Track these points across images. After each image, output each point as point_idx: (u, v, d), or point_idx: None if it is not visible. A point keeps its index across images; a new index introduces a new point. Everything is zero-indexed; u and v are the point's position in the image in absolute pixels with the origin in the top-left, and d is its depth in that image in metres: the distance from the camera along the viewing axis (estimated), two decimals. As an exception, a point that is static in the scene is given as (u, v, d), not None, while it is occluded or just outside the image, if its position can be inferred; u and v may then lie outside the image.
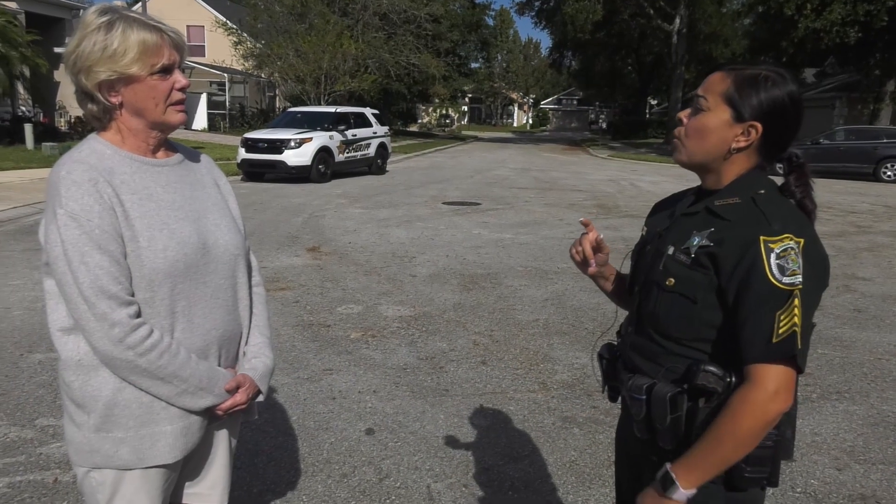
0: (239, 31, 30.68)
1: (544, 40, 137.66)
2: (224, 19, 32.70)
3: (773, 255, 1.20)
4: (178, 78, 1.45)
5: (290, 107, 24.00)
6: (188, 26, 37.25)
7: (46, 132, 19.44)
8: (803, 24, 22.87)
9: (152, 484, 1.48)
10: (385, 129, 18.49)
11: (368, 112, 18.27)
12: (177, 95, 1.45)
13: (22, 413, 3.49)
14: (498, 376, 4.19)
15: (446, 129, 51.97)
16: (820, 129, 23.52)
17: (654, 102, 56.90)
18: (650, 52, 44.44)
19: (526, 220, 10.38)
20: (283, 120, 17.39)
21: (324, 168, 15.29)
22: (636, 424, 1.39)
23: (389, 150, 18.88)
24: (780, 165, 1.38)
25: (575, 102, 73.10)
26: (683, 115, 1.39)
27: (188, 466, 1.61)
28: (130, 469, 1.44)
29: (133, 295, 1.38)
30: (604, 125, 61.38)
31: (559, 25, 40.98)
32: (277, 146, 14.72)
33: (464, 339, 4.87)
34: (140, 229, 1.39)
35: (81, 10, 26.00)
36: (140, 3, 20.91)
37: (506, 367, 4.34)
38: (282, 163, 14.59)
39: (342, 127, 16.27)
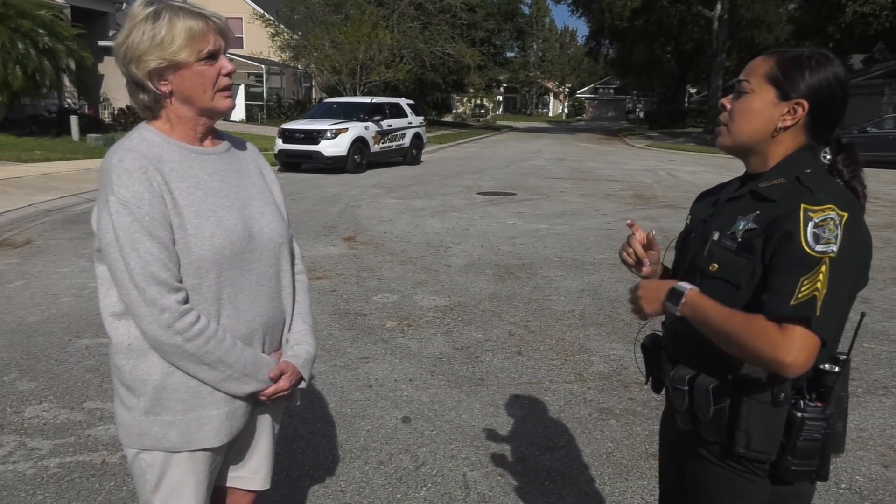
0: (276, 23, 30.97)
1: (581, 28, 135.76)
2: (262, 11, 33.03)
3: (811, 224, 1.18)
4: (224, 63, 1.47)
5: (325, 97, 24.19)
6: (226, 18, 37.74)
7: (91, 124, 19.94)
8: (851, 9, 22.17)
9: (199, 466, 1.51)
10: (420, 119, 18.51)
11: (404, 102, 18.30)
12: (224, 81, 1.47)
13: (71, 396, 3.61)
14: (534, 367, 4.18)
15: (481, 119, 51.78)
16: (868, 117, 22.78)
17: (693, 91, 55.76)
18: (690, 40, 43.52)
19: (562, 211, 10.30)
20: (319, 111, 17.53)
21: (359, 158, 15.39)
22: (679, 415, 1.38)
23: (424, 141, 18.90)
24: (826, 151, 1.35)
25: (612, 91, 72.14)
26: (726, 100, 1.37)
27: (232, 451, 1.64)
28: (178, 451, 1.48)
29: (181, 281, 1.41)
30: (641, 114, 60.37)
31: (596, 13, 40.44)
32: (314, 137, 14.86)
33: (499, 329, 4.86)
34: (188, 217, 1.41)
35: (125, 4, 26.56)
36: (180, -4, 21.26)
37: (541, 358, 4.33)
38: (318, 153, 14.73)
39: (378, 117, 16.34)
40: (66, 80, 20.99)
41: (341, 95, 24.71)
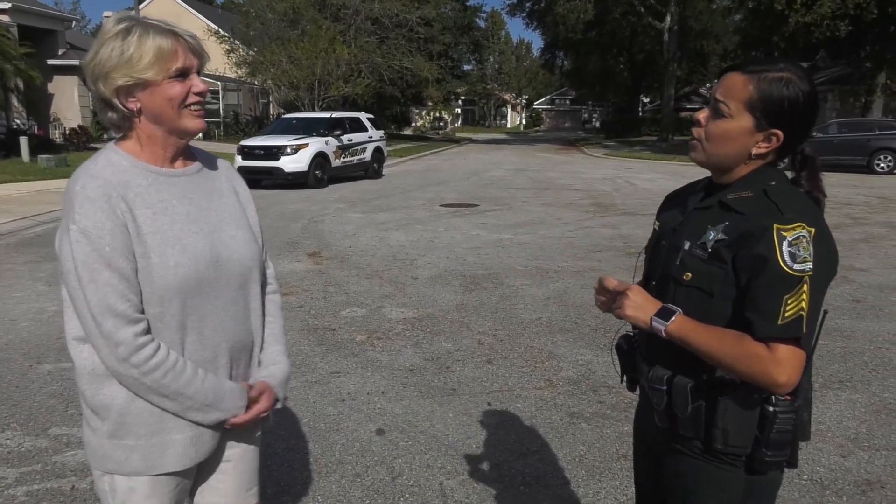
0: (231, 39, 30.68)
1: (536, 41, 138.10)
2: (216, 27, 32.70)
3: (785, 243, 1.24)
4: (196, 82, 1.44)
5: (283, 113, 24.04)
6: (180, 35, 37.25)
7: (42, 144, 19.43)
8: (794, 19, 22.99)
9: (162, 490, 1.49)
10: (380, 133, 18.54)
11: (363, 117, 18.31)
12: (193, 99, 1.44)
13: (35, 423, 3.53)
14: (504, 374, 4.24)
15: (440, 132, 52.04)
16: (813, 123, 23.50)
17: (646, 100, 57.03)
18: (642, 50, 44.62)
19: (524, 220, 10.43)
20: (278, 126, 17.41)
21: (320, 173, 15.33)
22: (657, 414, 1.43)
23: (385, 154, 18.92)
24: (787, 161, 1.42)
25: (568, 102, 73.25)
26: (702, 116, 1.41)
27: (202, 474, 1.62)
28: (140, 475, 1.46)
29: (143, 311, 1.38)
30: (597, 124, 61.54)
31: (550, 26, 41.11)
32: (274, 153, 14.76)
33: (468, 338, 4.91)
34: (152, 245, 1.38)
35: (73, 23, 26.02)
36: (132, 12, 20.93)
37: (511, 366, 4.38)
38: (278, 169, 14.62)
39: (338, 132, 16.29)
40: (15, 100, 20.44)
41: (300, 111, 24.56)
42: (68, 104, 23.96)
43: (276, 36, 28.70)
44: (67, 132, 22.22)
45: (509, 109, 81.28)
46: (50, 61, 23.06)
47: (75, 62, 23.63)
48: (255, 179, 14.89)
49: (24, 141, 17.57)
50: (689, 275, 1.36)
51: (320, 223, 10.17)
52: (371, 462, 3.16)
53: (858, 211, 11.44)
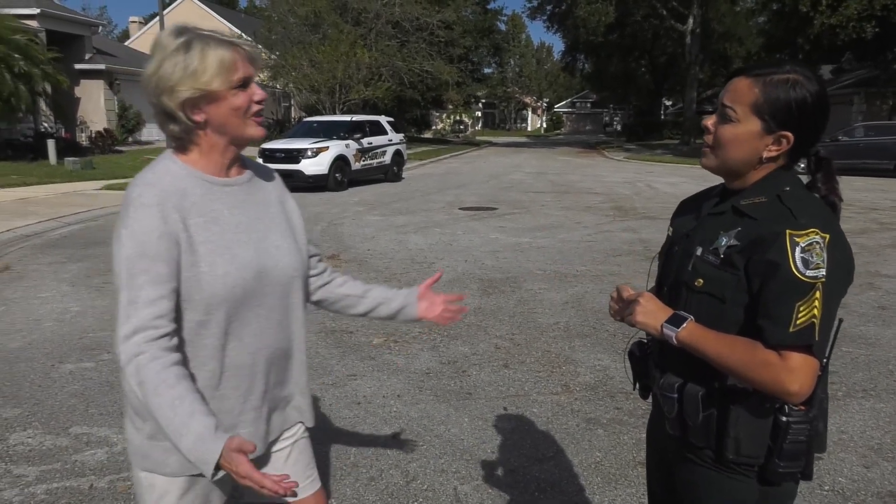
0: (254, 44, 30.95)
1: (557, 44, 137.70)
2: (239, 32, 32.95)
3: (798, 249, 1.22)
4: (256, 90, 1.47)
5: (305, 117, 24.22)
6: (204, 40, 37.76)
7: (68, 147, 19.79)
8: (819, 21, 22.70)
9: (198, 491, 1.52)
10: (400, 136, 18.59)
11: (384, 120, 18.38)
12: (255, 108, 1.47)
13: (56, 422, 3.58)
14: (521, 379, 4.22)
15: (460, 135, 52.11)
16: (839, 126, 23.24)
17: (668, 103, 56.59)
18: (663, 53, 44.25)
19: (543, 224, 10.39)
20: (299, 130, 17.55)
21: (340, 176, 15.42)
22: (668, 421, 1.42)
23: (405, 157, 18.97)
24: (803, 164, 1.40)
25: (589, 105, 72.96)
26: (710, 122, 1.38)
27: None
28: (178, 476, 1.49)
29: (172, 320, 1.38)
30: (618, 127, 61.10)
31: (571, 29, 40.91)
32: (294, 156, 14.89)
33: (485, 343, 4.90)
34: (202, 254, 1.41)
35: (100, 28, 26.49)
36: (158, 20, 21.20)
37: (528, 370, 4.36)
38: (299, 172, 14.72)
39: (358, 135, 16.39)
40: (43, 104, 20.85)
41: (321, 114, 24.74)
42: (94, 108, 24.37)
43: (298, 40, 28.96)
44: (94, 135, 22.60)
45: (530, 112, 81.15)
46: (77, 66, 23.50)
47: (101, 66, 24.08)
48: (276, 182, 15.04)
49: (51, 144, 17.91)
50: (701, 281, 1.35)
51: (340, 226, 10.22)
52: (385, 465, 3.16)
53: (886, 216, 11.24)
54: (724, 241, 1.32)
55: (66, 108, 22.42)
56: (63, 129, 22.36)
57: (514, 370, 4.36)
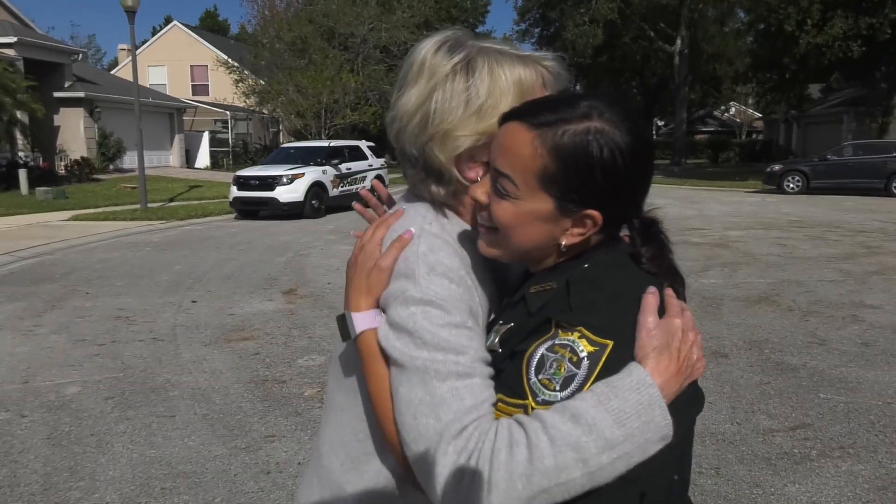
0: (240, 69, 30.89)
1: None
2: (226, 57, 32.96)
3: (543, 347, 0.83)
4: None
5: (293, 141, 23.97)
6: (192, 66, 37.73)
7: (44, 177, 19.47)
8: (805, 40, 22.57)
9: None
10: (381, 161, 18.29)
11: (363, 145, 18.11)
12: None
13: (-86, 502, 3.12)
14: (458, 438, 3.77)
15: (452, 158, 51.94)
16: (828, 145, 23.06)
17: (661, 123, 56.58)
18: (654, 74, 44.34)
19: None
20: (276, 157, 17.28)
21: (317, 203, 15.05)
22: None
23: (387, 182, 18.63)
24: (628, 234, 0.96)
25: (581, 126, 73.07)
26: (482, 193, 0.93)
27: None
28: None
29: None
30: (611, 148, 60.87)
31: (560, 50, 40.59)
32: (269, 183, 14.53)
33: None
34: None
35: (80, 55, 26.29)
36: (131, 54, 21.05)
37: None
38: (274, 199, 14.38)
39: (336, 161, 16.09)
40: (18, 133, 20.55)
41: (307, 139, 24.53)
42: (74, 136, 24.07)
43: (284, 65, 28.83)
44: (70, 163, 22.27)
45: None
46: (56, 94, 23.25)
47: (81, 94, 23.85)
48: (252, 210, 14.71)
49: (22, 174, 17.61)
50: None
51: (306, 257, 9.81)
52: (278, 557, 2.70)
53: (873, 239, 10.84)
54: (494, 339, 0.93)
55: (43, 136, 22.12)
56: (41, 158, 22.05)
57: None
